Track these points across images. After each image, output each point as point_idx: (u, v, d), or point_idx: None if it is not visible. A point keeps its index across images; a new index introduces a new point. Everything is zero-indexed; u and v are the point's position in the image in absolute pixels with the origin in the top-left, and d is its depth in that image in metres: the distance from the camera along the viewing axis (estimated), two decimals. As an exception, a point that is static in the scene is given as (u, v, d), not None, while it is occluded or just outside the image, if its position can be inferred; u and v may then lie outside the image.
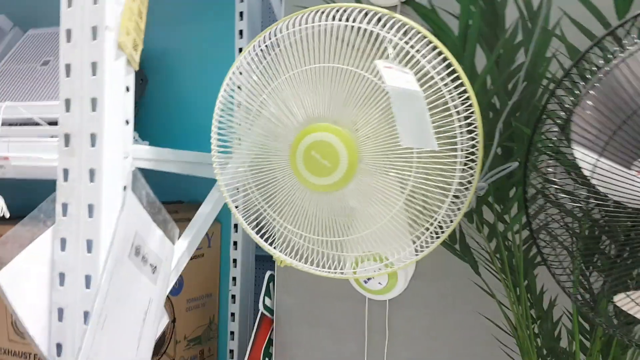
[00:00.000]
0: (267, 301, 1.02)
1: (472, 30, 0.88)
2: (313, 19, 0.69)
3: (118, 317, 0.67)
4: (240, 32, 1.06)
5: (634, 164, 0.57)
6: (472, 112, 0.68)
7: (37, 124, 0.87)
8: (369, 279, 0.92)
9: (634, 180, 0.56)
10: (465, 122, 0.68)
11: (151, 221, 0.74)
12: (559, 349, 0.86)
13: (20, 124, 0.86)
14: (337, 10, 0.69)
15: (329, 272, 0.78)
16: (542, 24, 0.83)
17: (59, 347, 0.65)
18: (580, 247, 0.72)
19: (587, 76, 0.58)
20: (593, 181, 0.58)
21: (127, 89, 0.68)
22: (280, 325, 1.01)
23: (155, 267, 0.76)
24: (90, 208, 0.64)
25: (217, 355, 1.08)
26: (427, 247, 0.75)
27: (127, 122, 0.68)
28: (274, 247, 0.80)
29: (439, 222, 0.72)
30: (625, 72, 0.55)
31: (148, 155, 0.78)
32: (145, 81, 1.13)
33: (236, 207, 0.80)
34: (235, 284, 1.08)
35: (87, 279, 0.65)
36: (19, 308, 0.64)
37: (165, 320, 0.82)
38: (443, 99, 0.66)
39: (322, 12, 0.70)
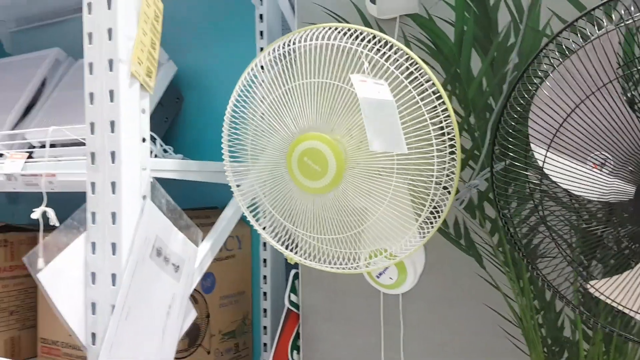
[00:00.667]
0: (293, 297, 1.10)
1: (467, 36, 0.93)
2: (299, 40, 0.77)
3: (141, 310, 0.77)
4: (261, 49, 1.15)
5: (589, 158, 0.61)
6: (447, 115, 0.73)
7: (82, 143, 0.99)
8: (380, 274, 0.99)
9: (586, 174, 0.59)
10: (438, 119, 0.73)
11: (172, 226, 0.84)
12: (562, 338, 0.89)
13: (67, 145, 0.99)
14: (320, 31, 0.76)
15: (332, 267, 0.85)
16: (528, 23, 0.86)
17: (93, 336, 0.76)
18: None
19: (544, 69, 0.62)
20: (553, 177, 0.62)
21: (143, 111, 0.78)
22: (306, 319, 1.09)
23: (178, 266, 0.85)
24: (113, 216, 0.75)
25: (251, 348, 1.17)
26: (422, 237, 0.80)
27: (143, 139, 0.78)
28: (285, 246, 0.88)
29: (428, 214, 0.77)
30: (576, 64, 0.59)
31: (167, 167, 0.88)
32: (181, 99, 1.24)
33: (251, 212, 0.89)
34: (265, 282, 1.16)
35: (113, 277, 0.75)
36: (59, 303, 0.75)
37: (192, 315, 0.92)
38: (414, 102, 0.72)
39: (308, 33, 0.77)
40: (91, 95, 0.76)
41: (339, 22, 1.04)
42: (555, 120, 0.59)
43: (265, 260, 1.16)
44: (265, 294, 1.17)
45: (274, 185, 0.83)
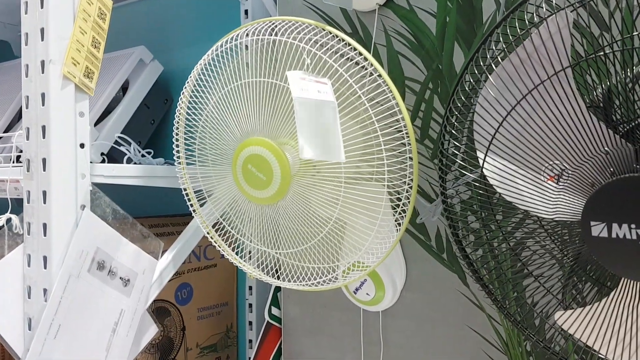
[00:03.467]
0: (275, 311, 1.04)
1: (450, 28, 0.83)
2: (243, 35, 0.70)
3: (77, 327, 0.72)
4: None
5: (543, 169, 0.51)
6: (401, 117, 0.65)
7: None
8: (357, 289, 0.90)
9: (533, 184, 0.50)
10: (390, 122, 0.64)
11: (120, 237, 0.79)
12: (554, 369, 0.78)
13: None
14: (265, 25, 0.69)
15: (297, 283, 0.78)
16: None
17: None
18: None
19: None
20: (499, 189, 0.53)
21: (81, 114, 0.73)
22: (288, 334, 1.02)
23: (128, 279, 0.80)
24: (44, 227, 0.70)
25: (236, 363, 1.12)
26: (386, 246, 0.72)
27: (82, 145, 0.73)
28: (242, 258, 0.82)
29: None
30: (519, 53, 0.49)
31: (126, 173, 0.83)
32: (169, 101, 1.20)
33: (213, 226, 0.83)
34: (251, 293, 1.10)
35: (45, 292, 0.71)
36: (-8, 317, 0.72)
37: (152, 330, 0.87)
38: (361, 105, 0.63)
39: (255, 27, 0.70)
40: (27, 98, 0.72)
41: (321, 16, 0.96)
42: (495, 120, 0.49)
43: (250, 270, 1.10)
44: (250, 305, 1.11)
45: (223, 196, 0.77)
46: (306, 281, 0.77)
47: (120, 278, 0.79)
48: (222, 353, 1.09)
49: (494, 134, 0.49)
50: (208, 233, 0.81)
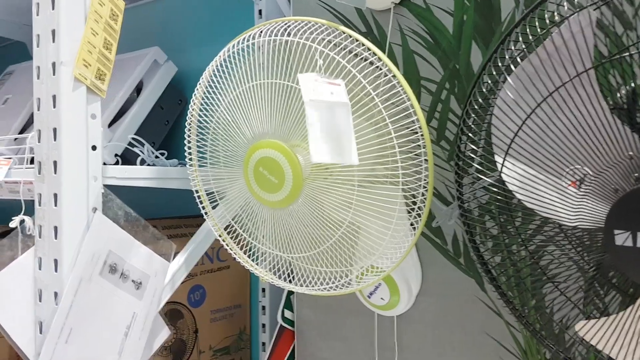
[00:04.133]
0: (288, 313, 1.02)
1: (467, 26, 0.81)
2: (258, 35, 0.69)
3: (88, 331, 0.72)
4: (260, 47, 1.07)
5: (565, 174, 0.49)
6: (415, 118, 0.63)
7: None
8: (371, 294, 0.89)
9: (560, 193, 0.48)
10: (405, 124, 0.63)
11: (132, 239, 0.79)
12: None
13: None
14: (281, 25, 0.68)
15: (304, 287, 0.77)
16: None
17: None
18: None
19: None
20: (519, 195, 0.51)
21: (93, 117, 0.72)
22: (301, 338, 1.01)
23: (140, 282, 0.80)
24: (55, 230, 0.70)
25: (250, 365, 1.11)
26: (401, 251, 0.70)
27: (93, 147, 0.72)
28: (254, 261, 0.80)
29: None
30: (539, 53, 0.47)
31: (138, 175, 0.82)
32: (184, 101, 1.19)
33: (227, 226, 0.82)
34: (264, 295, 1.09)
35: (56, 296, 0.70)
36: (3, 319, 0.71)
37: (165, 333, 0.86)
38: (374, 107, 0.62)
39: (268, 28, 0.69)
40: (38, 100, 0.72)
41: (335, 15, 0.95)
42: (514, 123, 0.47)
43: (263, 272, 1.09)
44: (264, 308, 1.09)
45: (236, 198, 0.76)
46: (319, 285, 0.76)
47: (133, 281, 0.78)
48: (235, 355, 1.08)
49: (513, 138, 0.47)
50: (220, 236, 0.80)
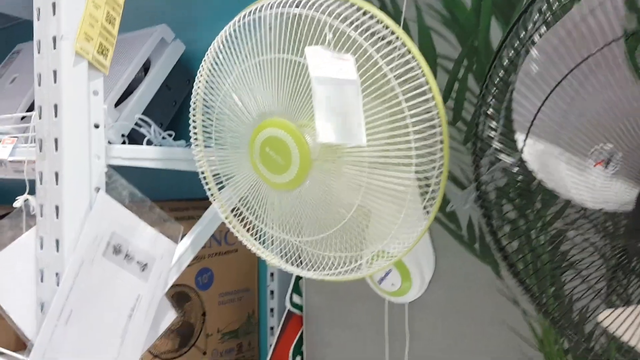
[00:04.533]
0: (296, 298, 1.00)
1: (486, 1, 0.77)
2: (266, 7, 0.66)
3: (89, 313, 0.70)
4: (271, 25, 1.04)
5: (590, 153, 0.45)
6: (429, 95, 0.60)
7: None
8: (382, 279, 0.86)
9: (579, 172, 0.45)
10: (419, 101, 0.60)
11: (138, 220, 0.76)
12: (592, 369, 0.72)
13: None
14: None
15: (312, 272, 0.74)
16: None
17: (43, 338, 0.70)
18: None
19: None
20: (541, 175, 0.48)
21: (95, 93, 0.70)
22: (309, 323, 0.99)
23: (146, 264, 0.78)
24: (57, 209, 0.68)
25: (257, 349, 1.09)
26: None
27: (96, 125, 0.70)
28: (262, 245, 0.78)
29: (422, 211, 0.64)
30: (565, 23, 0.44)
31: (144, 155, 0.80)
32: (192, 81, 1.16)
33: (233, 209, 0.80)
34: (273, 280, 1.07)
35: (57, 276, 0.68)
36: (4, 301, 0.70)
37: (171, 316, 0.84)
38: (387, 83, 0.59)
39: (275, 1, 0.66)
40: (39, 76, 0.70)
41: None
42: (537, 98, 0.44)
43: (273, 256, 1.07)
44: (272, 292, 1.07)
45: (243, 180, 0.73)
46: (328, 270, 0.73)
47: (137, 262, 0.76)
48: (243, 339, 1.06)
49: (537, 113, 0.44)
50: (226, 218, 0.78)
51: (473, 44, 0.79)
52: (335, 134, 0.56)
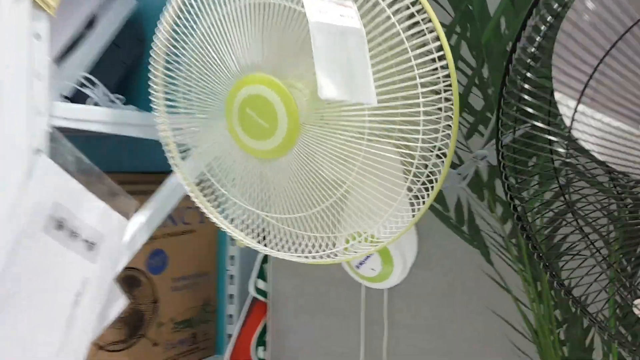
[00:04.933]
0: (261, 284, 0.92)
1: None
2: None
3: (28, 298, 0.59)
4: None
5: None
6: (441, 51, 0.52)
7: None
8: (360, 263, 0.79)
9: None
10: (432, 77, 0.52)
11: (85, 191, 0.65)
12: (589, 361, 0.68)
13: None
14: None
15: (297, 255, 0.66)
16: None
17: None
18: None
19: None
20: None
21: (37, 37, 0.59)
22: (275, 310, 0.90)
23: (94, 243, 0.67)
24: (-13, 174, 0.56)
25: (214, 340, 0.99)
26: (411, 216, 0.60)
27: (37, 75, 0.59)
28: (234, 225, 0.69)
29: (420, 187, 0.57)
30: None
31: (90, 117, 0.69)
32: (142, 40, 1.04)
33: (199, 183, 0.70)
34: (233, 263, 0.98)
35: (-12, 255, 0.57)
36: None
37: (121, 302, 0.74)
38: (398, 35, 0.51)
39: None
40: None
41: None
42: (591, 55, 0.37)
43: (232, 238, 0.97)
44: (232, 277, 0.98)
45: (212, 148, 0.64)
46: (307, 253, 0.65)
47: (84, 240, 0.65)
48: (198, 329, 0.96)
49: (592, 74, 0.37)
50: (191, 192, 0.68)
51: (468, 8, 0.72)
52: (337, 89, 0.47)
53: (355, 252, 0.63)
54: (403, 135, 0.54)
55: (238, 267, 0.98)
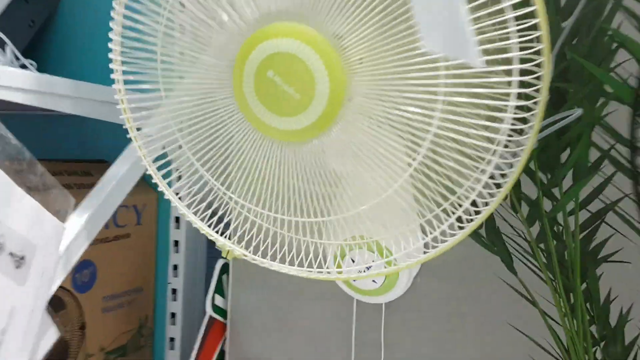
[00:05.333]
0: (219, 300, 0.75)
1: None
2: None
3: None
4: None
5: None
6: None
7: None
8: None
9: None
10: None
11: (11, 184, 0.46)
12: (631, 383, 0.60)
13: None
14: None
15: (301, 269, 0.52)
16: None
17: None
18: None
19: None
20: None
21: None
22: (235, 332, 0.74)
23: (23, 257, 0.48)
24: None
25: (151, 368, 0.81)
26: (450, 236, 0.49)
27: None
28: (218, 232, 0.53)
29: (477, 194, 0.45)
30: None
31: (13, 83, 0.50)
32: (56, -1, 0.84)
33: (160, 169, 0.52)
34: (176, 275, 0.80)
35: None
36: None
37: (52, 334, 0.55)
38: None
39: None
40: None
41: None
42: None
43: (177, 243, 0.80)
44: (174, 291, 0.81)
45: (203, 126, 0.47)
46: (319, 268, 0.51)
47: (10, 255, 0.46)
48: (132, 357, 0.78)
49: None
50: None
51: None
52: (442, 43, 0.34)
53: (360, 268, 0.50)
54: (490, 113, 0.41)
55: (182, 279, 0.80)
